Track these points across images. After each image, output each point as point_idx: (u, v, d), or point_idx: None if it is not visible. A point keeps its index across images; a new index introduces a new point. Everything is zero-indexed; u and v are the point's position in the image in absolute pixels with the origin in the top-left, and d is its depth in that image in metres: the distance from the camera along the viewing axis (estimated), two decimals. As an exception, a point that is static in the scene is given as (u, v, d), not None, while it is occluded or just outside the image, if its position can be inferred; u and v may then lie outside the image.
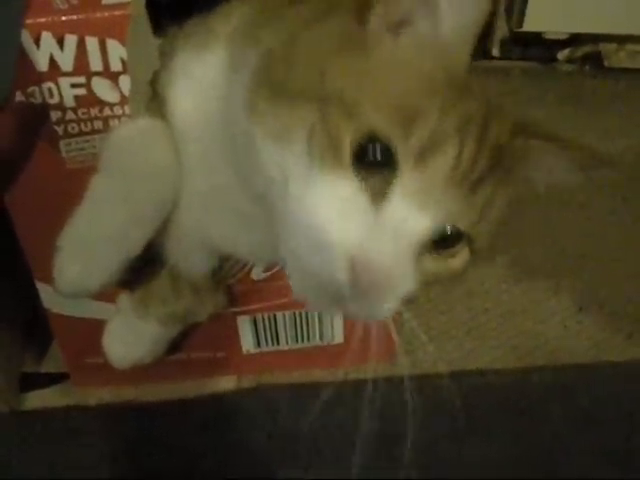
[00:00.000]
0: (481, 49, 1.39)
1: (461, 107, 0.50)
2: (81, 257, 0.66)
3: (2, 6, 0.63)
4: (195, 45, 0.65)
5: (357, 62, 0.52)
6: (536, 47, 1.36)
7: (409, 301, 0.55)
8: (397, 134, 0.48)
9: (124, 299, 0.79)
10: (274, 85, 0.53)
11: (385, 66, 0.51)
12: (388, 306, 0.54)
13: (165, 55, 0.68)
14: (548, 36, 1.32)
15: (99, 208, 0.66)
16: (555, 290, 1.06)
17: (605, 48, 1.37)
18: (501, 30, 1.35)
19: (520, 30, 1.29)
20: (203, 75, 0.64)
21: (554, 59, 1.38)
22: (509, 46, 1.37)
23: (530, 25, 1.26)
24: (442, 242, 0.53)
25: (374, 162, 0.49)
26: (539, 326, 1.02)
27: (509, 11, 1.29)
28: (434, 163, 0.49)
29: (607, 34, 1.33)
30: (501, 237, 1.08)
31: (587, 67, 1.39)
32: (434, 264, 0.54)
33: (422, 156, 0.49)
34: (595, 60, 1.38)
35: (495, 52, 1.38)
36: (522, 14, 1.25)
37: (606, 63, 1.38)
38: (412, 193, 0.49)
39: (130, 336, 0.80)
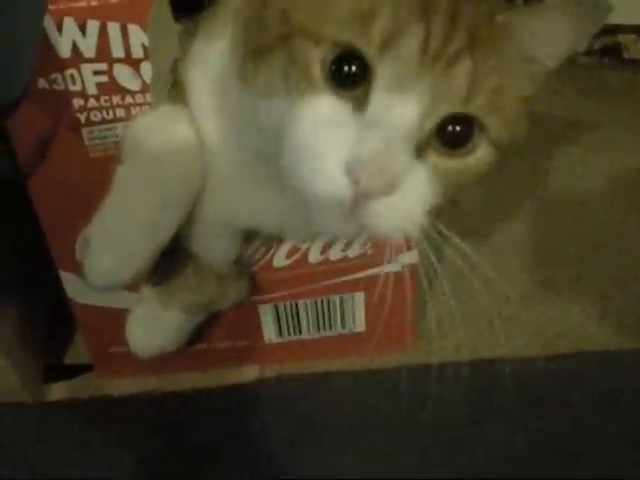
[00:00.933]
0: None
1: None
2: (112, 249, 0.67)
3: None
4: (206, 32, 0.67)
5: None
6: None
7: (436, 208, 0.56)
8: (359, 37, 0.51)
9: (148, 288, 0.79)
10: (254, 49, 0.55)
11: None
12: (407, 208, 0.54)
13: (185, 42, 0.68)
14: (567, 28, 1.32)
15: (127, 197, 0.67)
16: (576, 278, 1.06)
17: (624, 39, 1.36)
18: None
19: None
20: (215, 61, 0.65)
21: (573, 51, 1.38)
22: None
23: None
24: (453, 140, 0.53)
25: (350, 75, 0.51)
26: (561, 314, 1.02)
27: (527, 3, 1.29)
28: (401, 49, 0.50)
29: (626, 25, 1.33)
30: (521, 227, 1.09)
31: (606, 59, 1.38)
32: (449, 162, 0.54)
33: (388, 47, 0.50)
34: (614, 52, 1.38)
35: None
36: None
37: (625, 54, 1.38)
38: (387, 85, 0.51)
39: (153, 325, 0.81)
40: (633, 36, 1.36)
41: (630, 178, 1.21)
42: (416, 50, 0.50)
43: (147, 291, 0.80)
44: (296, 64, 0.52)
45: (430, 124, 0.52)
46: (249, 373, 0.96)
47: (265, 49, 0.54)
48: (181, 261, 0.77)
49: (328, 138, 0.52)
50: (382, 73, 0.51)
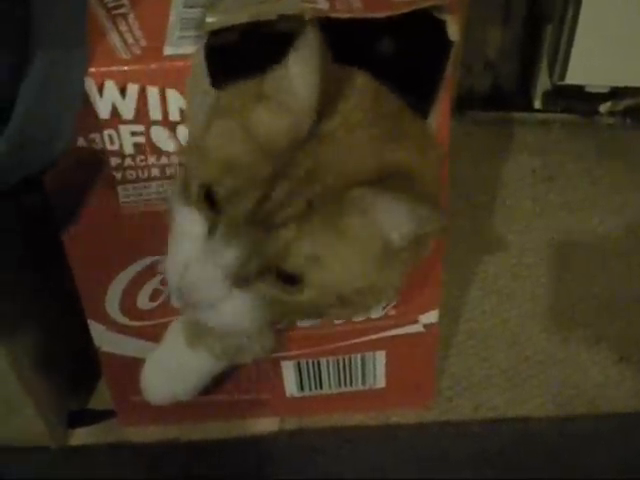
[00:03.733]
0: (523, 101, 1.41)
1: (279, 163, 0.59)
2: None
3: (67, 61, 0.66)
4: None
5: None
6: (578, 100, 1.37)
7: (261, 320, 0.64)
8: (217, 183, 0.60)
9: (177, 325, 0.81)
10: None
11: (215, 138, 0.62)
12: (224, 321, 0.64)
13: None
14: (590, 89, 1.33)
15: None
16: (596, 339, 1.06)
17: (647, 101, 1.38)
18: (543, 83, 1.37)
19: (562, 83, 1.30)
20: None
21: (596, 112, 1.39)
22: (551, 99, 1.38)
23: (572, 78, 1.28)
24: (282, 279, 0.60)
25: (210, 203, 0.60)
26: (579, 375, 1.03)
27: (551, 65, 1.31)
28: (238, 206, 0.59)
29: (648, 88, 1.34)
30: (541, 287, 1.10)
31: (628, 120, 1.40)
32: (278, 292, 0.61)
33: (230, 200, 0.59)
34: (636, 113, 1.39)
35: (537, 104, 1.39)
36: (565, 68, 1.26)
37: (648, 116, 1.39)
38: (224, 228, 0.59)
39: (172, 367, 0.82)
40: (656, 98, 1.38)
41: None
42: (247, 210, 0.58)
43: (176, 327, 0.81)
44: (184, 183, 0.63)
45: (253, 268, 0.59)
46: (269, 424, 0.97)
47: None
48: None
49: (182, 247, 0.63)
50: (223, 216, 0.59)
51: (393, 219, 0.59)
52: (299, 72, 0.59)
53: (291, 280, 0.60)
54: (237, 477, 0.93)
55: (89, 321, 0.85)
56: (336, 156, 0.60)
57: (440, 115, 0.68)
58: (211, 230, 0.60)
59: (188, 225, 0.62)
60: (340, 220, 0.59)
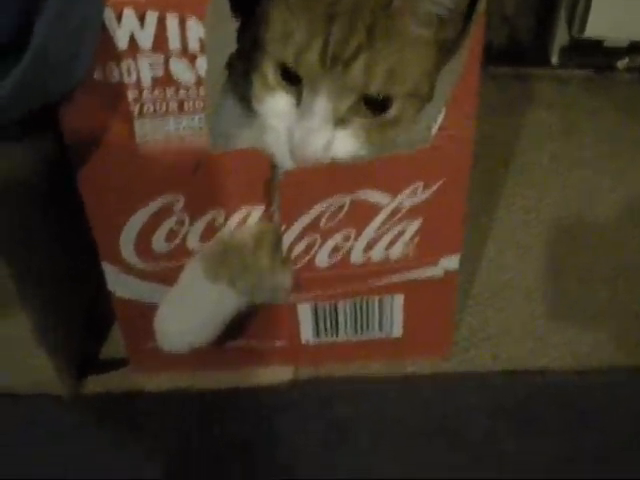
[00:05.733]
0: (540, 56, 1.39)
1: (325, 9, 0.67)
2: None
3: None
4: None
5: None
6: (595, 56, 1.35)
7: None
8: (283, 53, 0.70)
9: (194, 263, 0.81)
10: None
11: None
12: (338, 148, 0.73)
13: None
14: (608, 44, 1.31)
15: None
16: (613, 294, 1.05)
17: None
18: (561, 38, 1.34)
19: (580, 37, 1.28)
20: None
21: (613, 68, 1.37)
22: (569, 54, 1.36)
23: (592, 31, 1.26)
24: (372, 107, 0.71)
25: (291, 79, 0.71)
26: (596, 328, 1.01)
27: (571, 17, 1.29)
28: (306, 59, 0.68)
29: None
30: (557, 243, 1.09)
31: (646, 75, 1.38)
32: (372, 120, 0.72)
33: (299, 58, 0.68)
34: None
35: (554, 60, 1.37)
36: (584, 20, 1.24)
37: (665, 72, 1.37)
38: (307, 86, 0.70)
39: (189, 308, 0.82)
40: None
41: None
42: (316, 58, 0.67)
43: (193, 264, 0.81)
44: (261, 71, 0.73)
45: (345, 106, 0.70)
46: (284, 374, 0.96)
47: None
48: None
49: (280, 122, 0.74)
50: (304, 78, 0.70)
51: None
52: None
53: (379, 105, 0.71)
54: (250, 425, 0.92)
55: (103, 264, 0.83)
56: None
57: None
58: (299, 98, 0.71)
59: (279, 105, 0.73)
60: (396, 29, 0.68)
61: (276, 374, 0.96)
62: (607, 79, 1.39)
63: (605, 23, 1.26)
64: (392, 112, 0.71)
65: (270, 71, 0.72)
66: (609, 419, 0.93)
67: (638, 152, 1.25)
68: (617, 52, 1.36)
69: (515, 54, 1.40)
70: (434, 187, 0.78)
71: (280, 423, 0.92)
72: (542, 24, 1.38)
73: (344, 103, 0.70)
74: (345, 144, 0.72)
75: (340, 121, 0.71)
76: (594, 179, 1.21)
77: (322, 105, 0.69)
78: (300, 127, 0.71)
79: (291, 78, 0.71)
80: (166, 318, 0.83)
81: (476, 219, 1.11)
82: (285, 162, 0.74)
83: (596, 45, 1.33)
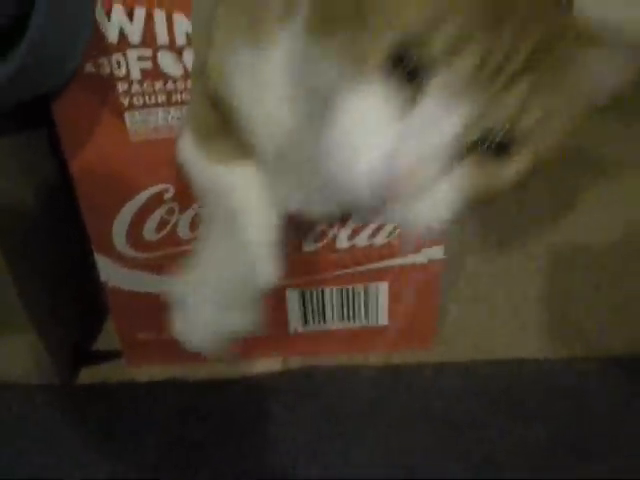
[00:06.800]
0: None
1: (492, 5, 0.48)
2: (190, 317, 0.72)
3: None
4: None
5: None
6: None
7: (458, 212, 0.54)
8: (422, 37, 0.48)
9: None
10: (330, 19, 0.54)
11: None
12: (431, 208, 0.53)
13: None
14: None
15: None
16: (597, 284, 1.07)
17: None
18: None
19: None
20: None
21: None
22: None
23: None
24: (493, 150, 0.52)
25: (405, 72, 0.50)
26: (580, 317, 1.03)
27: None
28: (459, 61, 0.48)
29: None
30: (543, 235, 1.10)
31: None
32: (485, 169, 0.53)
33: (448, 56, 0.48)
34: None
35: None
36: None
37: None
38: (437, 94, 0.49)
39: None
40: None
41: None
42: (474, 65, 0.48)
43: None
44: (360, 50, 0.50)
45: (472, 136, 0.50)
46: (273, 364, 0.98)
47: (340, 20, 0.52)
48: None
49: (371, 128, 0.51)
50: (435, 81, 0.49)
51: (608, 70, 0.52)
52: None
53: (503, 149, 0.52)
54: (241, 415, 0.93)
55: (96, 254, 0.86)
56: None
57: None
58: (408, 101, 0.50)
59: (373, 105, 0.51)
60: (556, 73, 0.51)
61: (265, 365, 0.98)
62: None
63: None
64: (512, 167, 0.53)
65: (377, 51, 0.50)
66: (583, 404, 0.95)
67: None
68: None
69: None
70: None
71: (269, 412, 0.93)
72: None
73: (477, 131, 0.50)
74: (447, 190, 0.53)
75: (455, 156, 0.51)
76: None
77: (450, 127, 0.50)
78: (407, 144, 0.50)
79: (400, 72, 0.50)
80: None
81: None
82: (341, 195, 0.55)
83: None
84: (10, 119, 0.73)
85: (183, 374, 0.97)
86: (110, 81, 0.72)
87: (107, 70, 0.71)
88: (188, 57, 0.71)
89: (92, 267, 0.87)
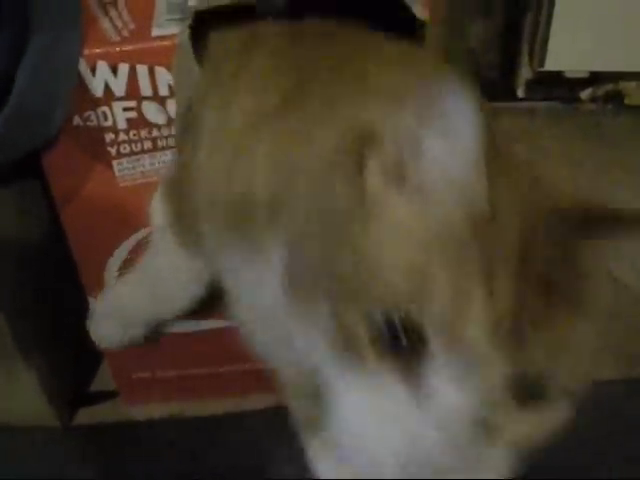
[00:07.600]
0: (507, 90, 1.44)
1: (482, 246, 0.42)
2: (113, 320, 0.81)
3: (63, 42, 0.70)
4: None
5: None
6: (559, 87, 1.40)
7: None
8: (414, 306, 0.42)
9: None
10: None
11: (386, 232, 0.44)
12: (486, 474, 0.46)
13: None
14: (569, 75, 1.37)
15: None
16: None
17: (625, 87, 1.41)
18: (525, 71, 1.40)
19: (542, 70, 1.33)
20: None
21: (577, 99, 1.43)
22: (533, 87, 1.41)
23: (552, 65, 1.31)
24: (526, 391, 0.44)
25: (399, 346, 0.42)
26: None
27: (531, 52, 1.34)
28: (465, 331, 0.41)
29: (627, 72, 1.37)
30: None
31: (609, 105, 1.43)
32: (523, 424, 0.45)
33: (447, 322, 0.41)
34: (616, 98, 1.42)
35: (520, 93, 1.42)
36: (544, 54, 1.29)
37: (626, 101, 1.42)
38: (446, 366, 0.42)
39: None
40: (634, 83, 1.41)
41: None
42: (486, 331, 0.41)
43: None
44: (341, 330, 0.44)
45: (503, 405, 0.42)
46: (269, 399, 0.99)
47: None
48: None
49: (380, 427, 0.44)
50: (440, 350, 0.41)
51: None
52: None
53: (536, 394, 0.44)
54: (241, 450, 0.94)
55: (89, 298, 0.87)
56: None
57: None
58: (410, 375, 0.42)
59: (375, 394, 0.43)
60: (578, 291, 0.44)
61: (264, 399, 0.98)
62: (571, 109, 1.43)
63: (564, 55, 1.31)
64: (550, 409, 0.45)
65: (362, 332, 0.43)
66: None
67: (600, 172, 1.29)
68: (579, 83, 1.41)
69: (482, 89, 1.44)
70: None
71: (270, 447, 0.94)
72: (507, 59, 1.44)
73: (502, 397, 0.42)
74: (496, 462, 0.46)
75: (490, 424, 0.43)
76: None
77: (464, 399, 0.41)
78: (426, 429, 0.42)
79: (395, 344, 0.42)
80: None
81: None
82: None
83: (558, 76, 1.38)
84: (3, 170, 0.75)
85: (180, 411, 0.99)
86: (98, 132, 0.75)
87: (94, 122, 0.74)
88: (171, 106, 0.74)
89: (86, 310, 0.88)
